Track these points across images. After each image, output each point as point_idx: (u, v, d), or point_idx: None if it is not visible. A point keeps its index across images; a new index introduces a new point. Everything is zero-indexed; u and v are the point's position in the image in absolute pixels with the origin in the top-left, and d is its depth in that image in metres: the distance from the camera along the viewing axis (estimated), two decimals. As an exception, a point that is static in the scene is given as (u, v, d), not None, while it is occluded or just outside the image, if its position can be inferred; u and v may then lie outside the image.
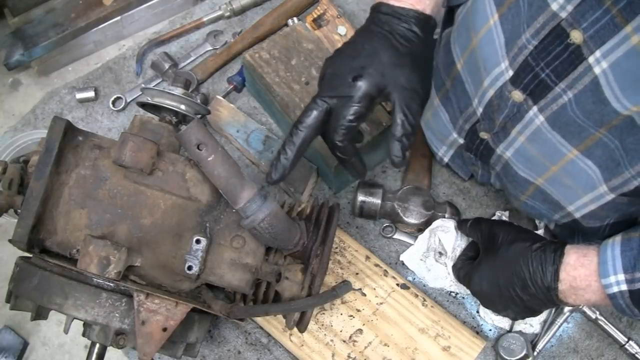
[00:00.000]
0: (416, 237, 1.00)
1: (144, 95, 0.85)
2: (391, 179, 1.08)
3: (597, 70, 0.65)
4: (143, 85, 1.16)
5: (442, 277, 0.97)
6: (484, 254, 0.89)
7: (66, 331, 0.78)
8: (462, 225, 0.95)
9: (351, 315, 0.95)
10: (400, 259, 1.01)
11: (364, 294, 0.96)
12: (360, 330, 0.94)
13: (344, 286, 0.83)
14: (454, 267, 0.95)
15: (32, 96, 1.29)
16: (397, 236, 1.03)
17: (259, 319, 0.96)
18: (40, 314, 0.79)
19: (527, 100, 0.75)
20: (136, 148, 0.72)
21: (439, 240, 0.97)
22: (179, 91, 0.83)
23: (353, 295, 0.96)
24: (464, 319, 0.98)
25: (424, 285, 1.00)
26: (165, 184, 0.75)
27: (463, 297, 0.99)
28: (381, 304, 0.95)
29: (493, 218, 1.02)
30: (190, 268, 0.75)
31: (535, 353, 0.95)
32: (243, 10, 1.22)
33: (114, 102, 1.15)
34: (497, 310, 0.88)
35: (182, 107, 0.83)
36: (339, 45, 0.82)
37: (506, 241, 0.83)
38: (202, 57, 1.19)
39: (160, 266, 0.76)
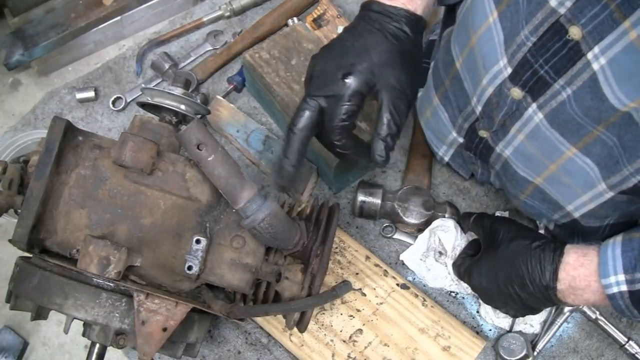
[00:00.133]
0: (416, 237, 1.00)
1: (144, 95, 0.85)
2: (391, 179, 1.08)
3: (595, 66, 0.65)
4: (143, 85, 1.16)
5: (442, 277, 0.97)
6: (485, 250, 0.89)
7: (66, 331, 0.78)
8: (465, 219, 0.95)
9: (351, 315, 0.95)
10: (400, 258, 1.01)
11: (364, 294, 0.96)
12: (360, 330, 0.94)
13: (344, 286, 0.83)
14: (454, 264, 0.95)
15: (32, 96, 1.29)
16: (397, 236, 1.03)
17: (259, 319, 0.96)
18: (40, 314, 0.79)
19: (526, 97, 0.75)
20: (136, 148, 0.72)
21: (439, 239, 0.97)
22: (179, 91, 0.84)
23: (353, 295, 0.96)
24: (464, 319, 0.98)
25: (424, 285, 1.00)
26: (165, 184, 0.75)
27: (463, 297, 0.99)
28: (381, 304, 0.95)
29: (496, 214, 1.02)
30: (190, 268, 0.75)
31: (535, 353, 0.95)
32: (243, 10, 1.22)
33: (114, 102, 1.15)
34: (497, 307, 0.88)
35: (182, 107, 0.83)
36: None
37: (506, 238, 0.83)
38: (202, 57, 1.19)
39: (160, 266, 0.76)
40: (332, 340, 0.94)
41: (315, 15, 1.16)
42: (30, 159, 0.77)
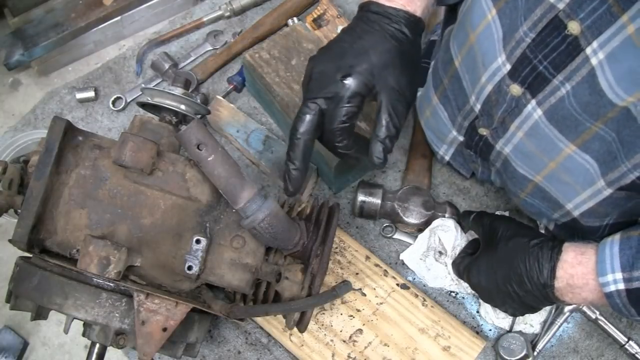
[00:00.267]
0: (416, 237, 1.00)
1: (144, 95, 0.85)
2: (391, 179, 1.08)
3: (594, 61, 0.65)
4: (143, 85, 1.16)
5: (442, 277, 0.97)
6: (484, 248, 0.89)
7: (66, 331, 0.78)
8: (465, 217, 0.95)
9: (351, 315, 0.95)
10: (400, 257, 1.01)
11: (364, 294, 0.96)
12: (360, 330, 0.94)
13: (344, 286, 0.83)
14: (453, 263, 0.95)
15: (32, 96, 1.29)
16: (397, 236, 1.03)
17: (259, 319, 0.96)
18: (40, 314, 0.79)
19: (525, 94, 0.75)
20: (136, 148, 0.72)
21: (439, 239, 0.97)
22: (179, 91, 0.84)
23: (353, 295, 0.96)
24: (464, 319, 0.98)
25: (424, 285, 1.00)
26: (165, 184, 0.75)
27: (463, 297, 0.99)
28: (381, 304, 0.95)
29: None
30: (190, 268, 0.75)
31: (535, 353, 0.95)
32: (243, 10, 1.22)
33: (114, 102, 1.15)
34: (496, 305, 0.88)
35: (182, 107, 0.83)
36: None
37: (505, 236, 0.83)
38: (202, 57, 1.19)
39: (160, 266, 0.76)
40: (332, 340, 0.94)
41: (315, 15, 1.16)
42: (30, 159, 0.77)
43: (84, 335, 0.78)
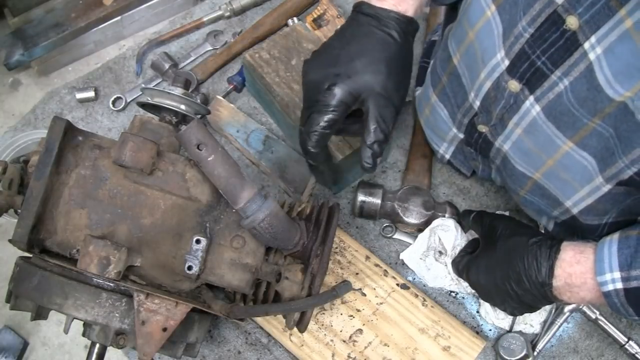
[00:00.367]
0: (416, 237, 1.00)
1: (144, 95, 0.85)
2: (391, 179, 1.08)
3: (591, 56, 0.65)
4: (143, 85, 1.16)
5: (441, 277, 0.97)
6: (483, 247, 0.89)
7: (66, 331, 0.78)
8: (465, 216, 0.95)
9: (351, 315, 0.95)
10: (400, 257, 1.01)
11: (364, 294, 0.96)
12: (360, 330, 0.94)
13: (344, 286, 0.83)
14: (453, 261, 0.95)
15: (32, 96, 1.29)
16: (397, 236, 1.03)
17: (259, 319, 0.96)
18: (40, 314, 0.79)
19: (523, 90, 0.75)
20: (136, 148, 0.72)
21: (439, 239, 0.97)
22: (179, 91, 0.84)
23: (353, 295, 0.96)
24: (464, 319, 0.98)
25: (424, 285, 1.00)
26: (165, 184, 0.75)
27: (463, 297, 0.99)
28: (381, 304, 0.95)
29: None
30: (190, 268, 0.75)
31: (535, 353, 0.95)
32: (243, 10, 1.22)
33: (114, 102, 1.15)
34: (495, 304, 0.88)
35: (182, 107, 0.83)
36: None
37: (505, 235, 0.83)
38: (202, 57, 1.19)
39: (160, 266, 0.76)
40: (332, 340, 0.94)
41: (315, 15, 1.16)
42: (30, 159, 0.77)
43: (84, 335, 0.78)
